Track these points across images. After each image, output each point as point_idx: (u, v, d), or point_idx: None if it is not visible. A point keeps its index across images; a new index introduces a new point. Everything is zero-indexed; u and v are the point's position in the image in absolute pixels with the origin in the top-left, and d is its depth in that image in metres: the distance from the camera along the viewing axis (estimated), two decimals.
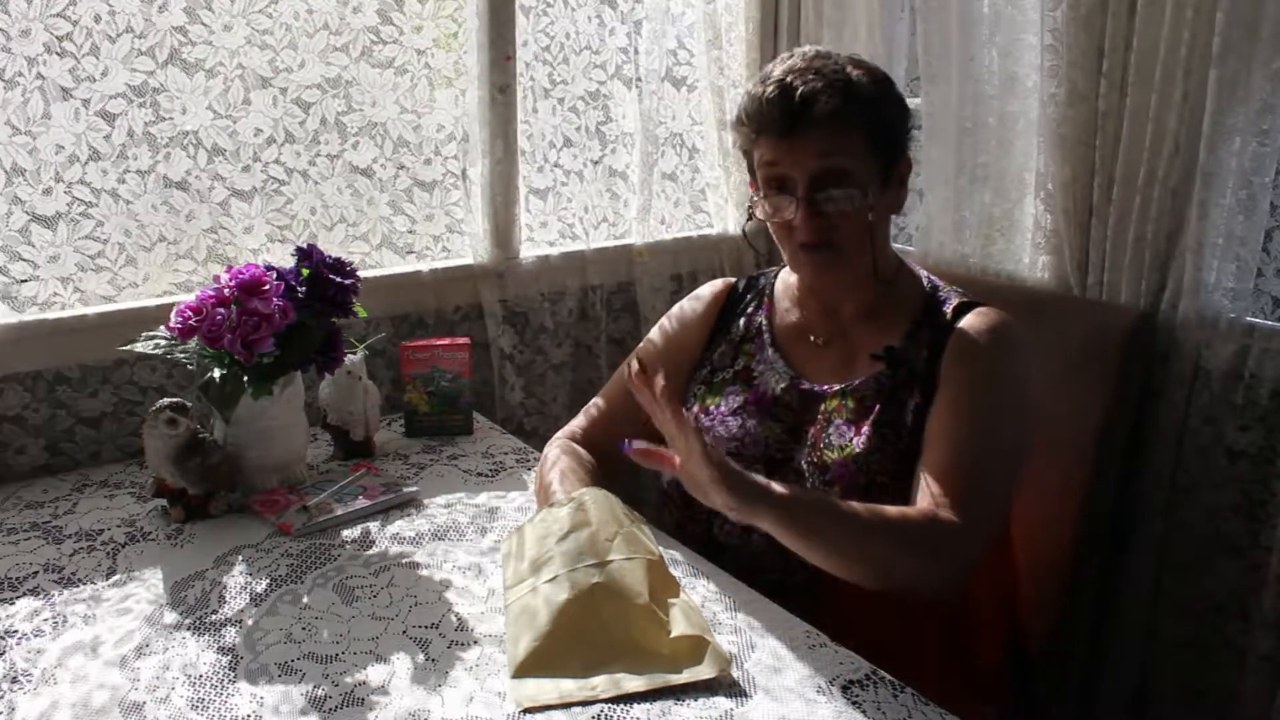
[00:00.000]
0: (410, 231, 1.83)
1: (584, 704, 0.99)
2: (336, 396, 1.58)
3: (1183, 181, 1.46)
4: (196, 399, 1.42)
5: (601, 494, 1.20)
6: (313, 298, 1.42)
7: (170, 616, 1.16)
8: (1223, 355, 1.45)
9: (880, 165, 1.24)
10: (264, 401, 1.39)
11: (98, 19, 1.49)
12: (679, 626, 1.05)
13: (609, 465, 1.37)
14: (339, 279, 1.44)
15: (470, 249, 1.86)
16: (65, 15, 1.46)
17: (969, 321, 1.25)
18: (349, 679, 1.04)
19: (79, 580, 1.24)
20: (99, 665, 1.07)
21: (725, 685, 1.01)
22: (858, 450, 1.22)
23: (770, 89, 1.21)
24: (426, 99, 1.79)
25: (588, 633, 1.05)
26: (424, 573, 1.26)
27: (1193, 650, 1.54)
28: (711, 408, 1.35)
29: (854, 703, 1.00)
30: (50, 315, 1.53)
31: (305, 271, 1.43)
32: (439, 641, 1.11)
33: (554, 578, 1.09)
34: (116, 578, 1.24)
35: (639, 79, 1.95)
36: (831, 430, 1.25)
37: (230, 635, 1.12)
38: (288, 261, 1.45)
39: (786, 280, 1.42)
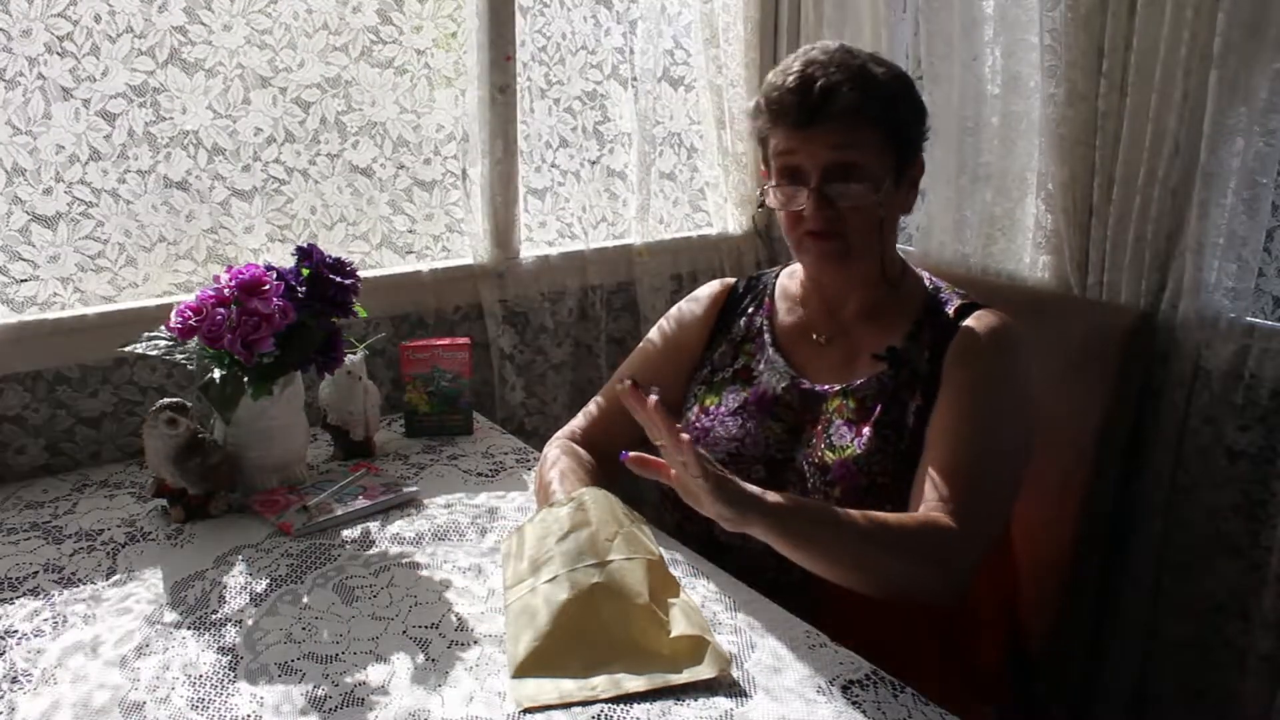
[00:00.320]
0: (410, 231, 1.83)
1: (584, 704, 0.99)
2: (336, 396, 1.58)
3: (1183, 181, 1.46)
4: (196, 399, 1.42)
5: (601, 494, 1.20)
6: (313, 298, 1.42)
7: (170, 616, 1.16)
8: (1223, 355, 1.45)
9: (893, 164, 1.24)
10: (264, 401, 1.39)
11: (98, 19, 1.49)
12: (679, 626, 1.05)
13: (609, 465, 1.37)
14: (339, 279, 1.44)
15: (470, 249, 1.86)
16: (66, 15, 1.46)
17: (971, 323, 1.25)
18: (349, 679, 1.04)
19: (79, 580, 1.24)
20: (99, 665, 1.07)
21: (725, 685, 1.01)
22: (858, 451, 1.22)
23: (791, 79, 1.21)
24: (426, 99, 1.79)
25: (587, 633, 1.05)
26: (424, 573, 1.26)
27: (1193, 650, 1.54)
28: (711, 408, 1.35)
29: (854, 703, 1.00)
30: (50, 315, 1.53)
31: (305, 271, 1.43)
32: (439, 641, 1.11)
33: (554, 577, 1.09)
34: (116, 578, 1.24)
35: (635, 79, 1.95)
36: (832, 431, 1.25)
37: (230, 635, 1.12)
38: (288, 261, 1.45)
39: (788, 280, 1.42)
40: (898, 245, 1.35)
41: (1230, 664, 1.50)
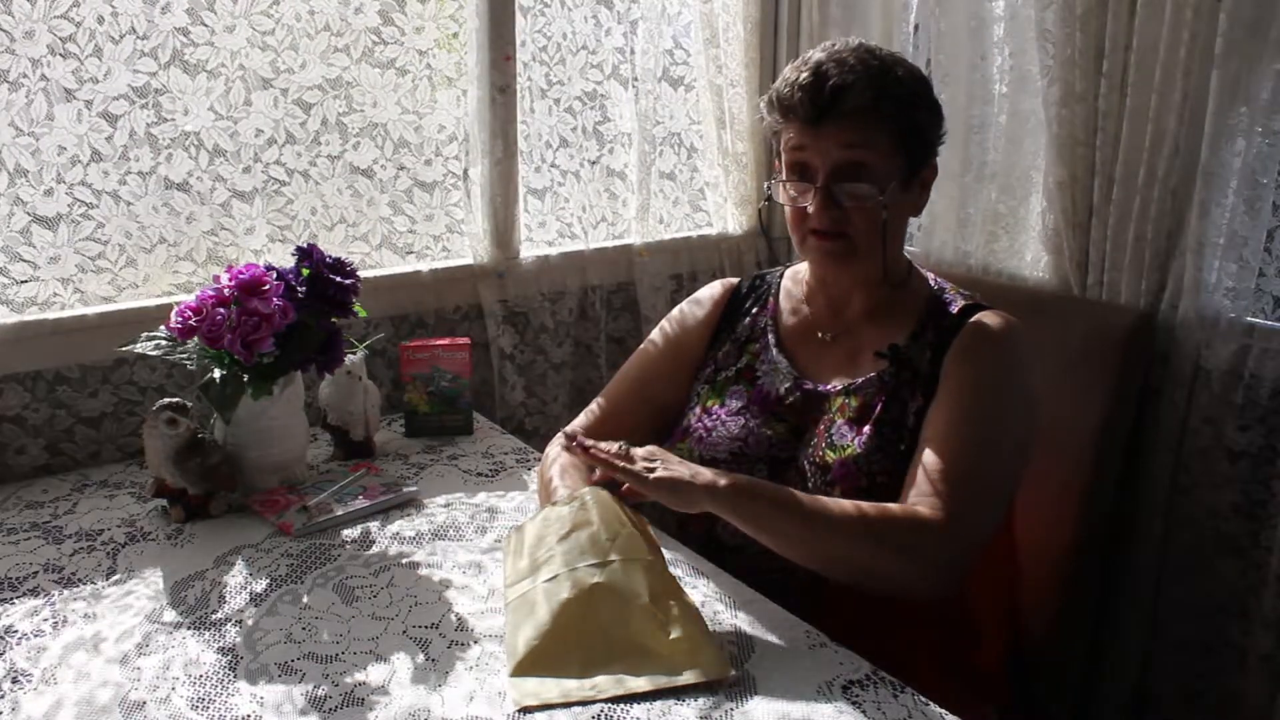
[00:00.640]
0: (410, 231, 1.83)
1: (583, 703, 0.99)
2: (336, 396, 1.58)
3: (1183, 181, 1.46)
4: (196, 399, 1.42)
5: (603, 493, 1.20)
6: (313, 298, 1.42)
7: (170, 616, 1.16)
8: (1223, 355, 1.45)
9: (904, 166, 1.24)
10: (264, 401, 1.39)
11: (101, 20, 1.49)
12: (679, 627, 1.05)
13: None
14: (339, 279, 1.44)
15: (470, 249, 1.86)
16: (69, 17, 1.46)
17: (973, 323, 1.25)
18: (349, 679, 1.04)
19: (79, 580, 1.24)
20: (100, 665, 1.07)
21: (725, 685, 1.01)
22: (858, 450, 1.22)
23: (805, 75, 1.21)
24: (427, 99, 1.79)
25: (587, 632, 1.05)
26: (424, 572, 1.26)
27: (1193, 650, 1.54)
28: (714, 408, 1.35)
29: (854, 703, 1.00)
30: (50, 315, 1.53)
31: (305, 271, 1.43)
32: (439, 641, 1.11)
33: (554, 577, 1.09)
34: (117, 577, 1.24)
35: (635, 79, 1.95)
36: (834, 430, 1.25)
37: (230, 635, 1.12)
38: (288, 262, 1.45)
39: (792, 280, 1.42)
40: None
41: (1231, 664, 1.50)
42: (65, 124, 1.49)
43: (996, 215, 1.73)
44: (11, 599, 1.19)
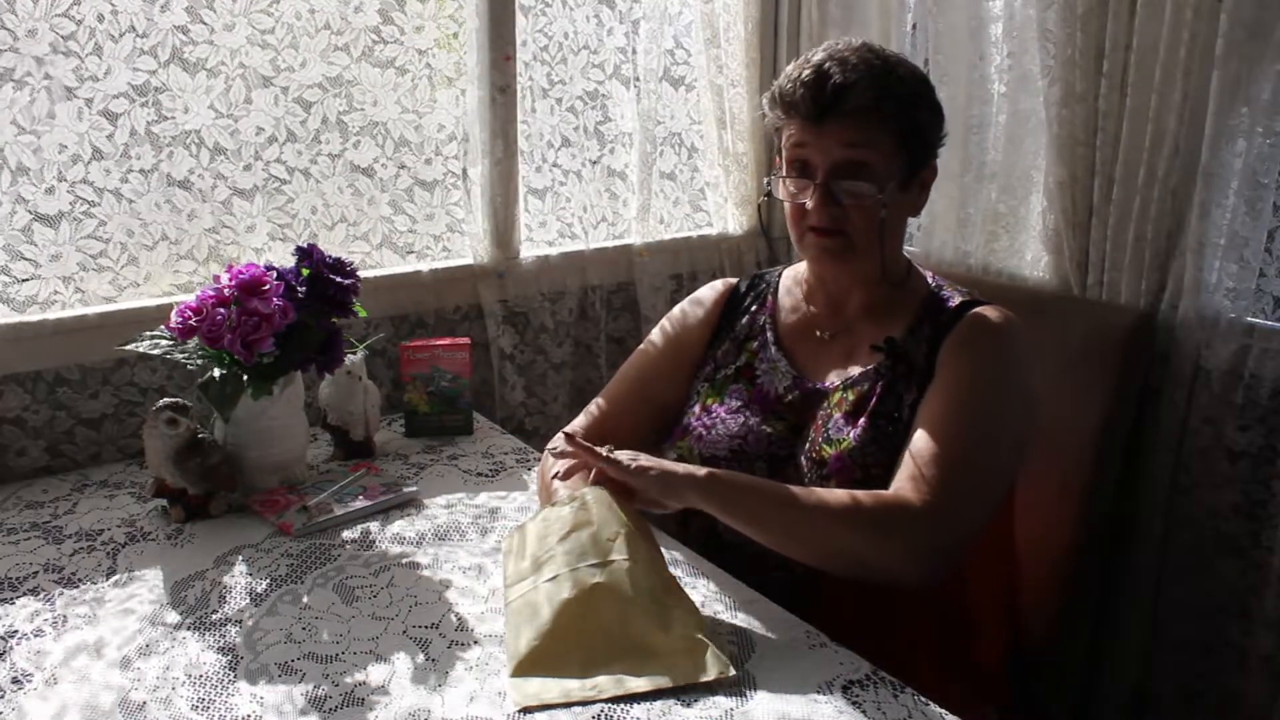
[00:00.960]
0: (411, 231, 1.83)
1: (584, 704, 0.99)
2: (336, 396, 1.58)
3: (1183, 182, 1.46)
4: (196, 399, 1.42)
5: (604, 493, 1.20)
6: (313, 297, 1.42)
7: (170, 616, 1.16)
8: (1223, 355, 1.45)
9: (905, 166, 1.24)
10: (264, 401, 1.39)
11: (101, 18, 1.49)
12: (679, 627, 1.05)
13: None
14: (339, 279, 1.44)
15: (470, 249, 1.86)
16: (69, 15, 1.46)
17: (972, 315, 1.25)
18: (349, 679, 1.04)
19: (79, 580, 1.24)
20: (100, 665, 1.07)
21: (725, 685, 1.01)
22: (853, 444, 1.22)
23: (807, 73, 1.21)
24: (427, 99, 1.79)
25: (588, 632, 1.05)
26: (424, 573, 1.26)
27: (1193, 651, 1.54)
28: (713, 406, 1.35)
29: (854, 703, 1.00)
30: (51, 315, 1.52)
31: (305, 271, 1.43)
32: (439, 641, 1.11)
33: (555, 576, 1.09)
34: (117, 578, 1.24)
35: (637, 79, 1.95)
36: (830, 425, 1.25)
37: (230, 635, 1.12)
38: (288, 260, 1.45)
39: (792, 278, 1.42)
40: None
41: (1231, 664, 1.50)
42: (66, 122, 1.49)
43: (996, 215, 1.73)
44: (11, 599, 1.19)
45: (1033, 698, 1.43)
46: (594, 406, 1.45)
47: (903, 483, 1.14)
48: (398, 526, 1.38)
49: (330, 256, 1.45)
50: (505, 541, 1.22)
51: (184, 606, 1.18)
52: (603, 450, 1.18)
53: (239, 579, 1.24)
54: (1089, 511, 1.44)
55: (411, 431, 1.71)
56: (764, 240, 2.10)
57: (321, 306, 1.43)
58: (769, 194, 1.32)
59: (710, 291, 1.46)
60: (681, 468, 1.17)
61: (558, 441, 1.38)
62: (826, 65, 1.21)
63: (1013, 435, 1.23)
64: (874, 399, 1.24)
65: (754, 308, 1.41)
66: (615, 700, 1.00)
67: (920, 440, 1.17)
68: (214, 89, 1.59)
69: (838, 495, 1.14)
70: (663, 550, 1.17)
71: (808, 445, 1.27)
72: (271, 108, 1.64)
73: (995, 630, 1.35)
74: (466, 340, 1.72)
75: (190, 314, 1.32)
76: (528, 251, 1.91)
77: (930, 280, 1.34)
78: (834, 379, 1.30)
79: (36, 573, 1.25)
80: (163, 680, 1.04)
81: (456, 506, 1.44)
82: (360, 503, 1.42)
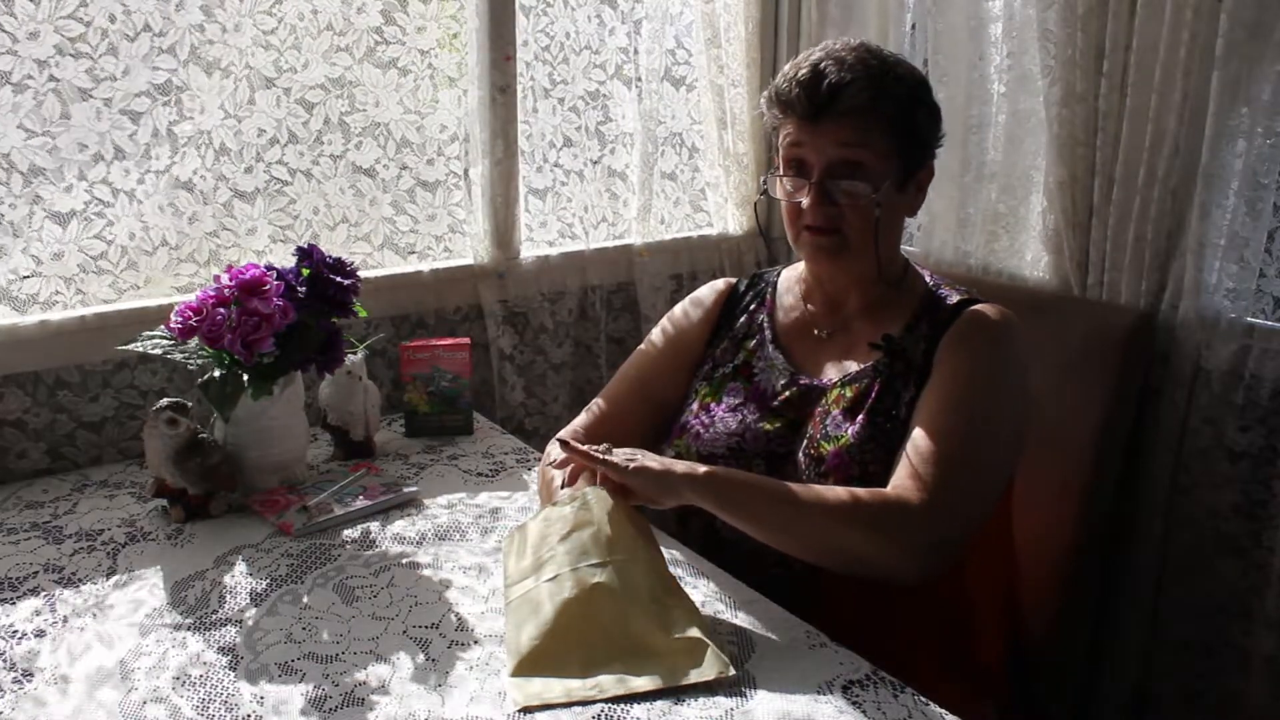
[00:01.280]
0: (413, 231, 1.83)
1: (584, 703, 0.99)
2: (336, 396, 1.58)
3: (1183, 182, 1.46)
4: (196, 399, 1.42)
5: (604, 493, 1.20)
6: (313, 298, 1.42)
7: (170, 616, 1.16)
8: (1223, 355, 1.45)
9: (900, 167, 1.24)
10: (264, 401, 1.39)
11: (112, 19, 1.48)
12: (679, 627, 1.05)
13: None
14: (339, 279, 1.44)
15: (471, 249, 1.86)
16: (76, 17, 1.46)
17: (970, 312, 1.26)
18: (349, 679, 1.04)
19: (79, 580, 1.24)
20: (100, 665, 1.07)
21: (726, 685, 1.01)
22: (851, 441, 1.22)
23: (803, 72, 1.22)
24: (429, 99, 1.79)
25: (588, 632, 1.05)
26: (424, 573, 1.26)
27: (1194, 651, 1.54)
28: (712, 405, 1.35)
29: (854, 703, 1.00)
30: (52, 316, 1.52)
31: (305, 271, 1.43)
32: (439, 641, 1.11)
33: (555, 576, 1.09)
34: (117, 578, 1.24)
35: (639, 79, 1.95)
36: (828, 422, 1.25)
37: (230, 635, 1.12)
38: (289, 262, 1.45)
39: (790, 277, 1.42)
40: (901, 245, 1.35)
41: (1232, 665, 1.50)
42: (84, 122, 1.49)
43: (996, 215, 1.73)
44: (12, 599, 1.19)
45: (1033, 697, 1.43)
46: (594, 406, 1.45)
47: (900, 480, 1.15)
48: (398, 526, 1.38)
49: (330, 256, 1.45)
50: (506, 541, 1.22)
51: (184, 606, 1.18)
52: (599, 450, 1.18)
53: (239, 579, 1.24)
54: (1089, 511, 1.44)
55: (411, 431, 1.71)
56: (762, 240, 2.10)
57: (321, 306, 1.43)
58: (765, 193, 1.33)
59: (710, 291, 1.46)
60: (679, 466, 1.18)
61: (555, 450, 1.39)
62: (823, 64, 1.21)
63: (1010, 432, 1.23)
64: (872, 396, 1.24)
65: (752, 307, 1.42)
66: (615, 700, 1.00)
67: (917, 437, 1.17)
68: (225, 89, 1.59)
69: (835, 492, 1.14)
70: (663, 550, 1.17)
71: (806, 442, 1.27)
72: (273, 109, 1.64)
73: (995, 630, 1.35)
74: (466, 340, 1.72)
75: (190, 314, 1.32)
76: (528, 252, 1.91)
77: (928, 279, 1.34)
78: (832, 376, 1.30)
79: (36, 573, 1.25)
80: (163, 680, 1.04)
81: (457, 506, 1.44)
82: (360, 503, 1.42)
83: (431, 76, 1.78)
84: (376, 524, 1.39)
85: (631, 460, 1.17)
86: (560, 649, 1.04)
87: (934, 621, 1.25)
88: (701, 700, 0.99)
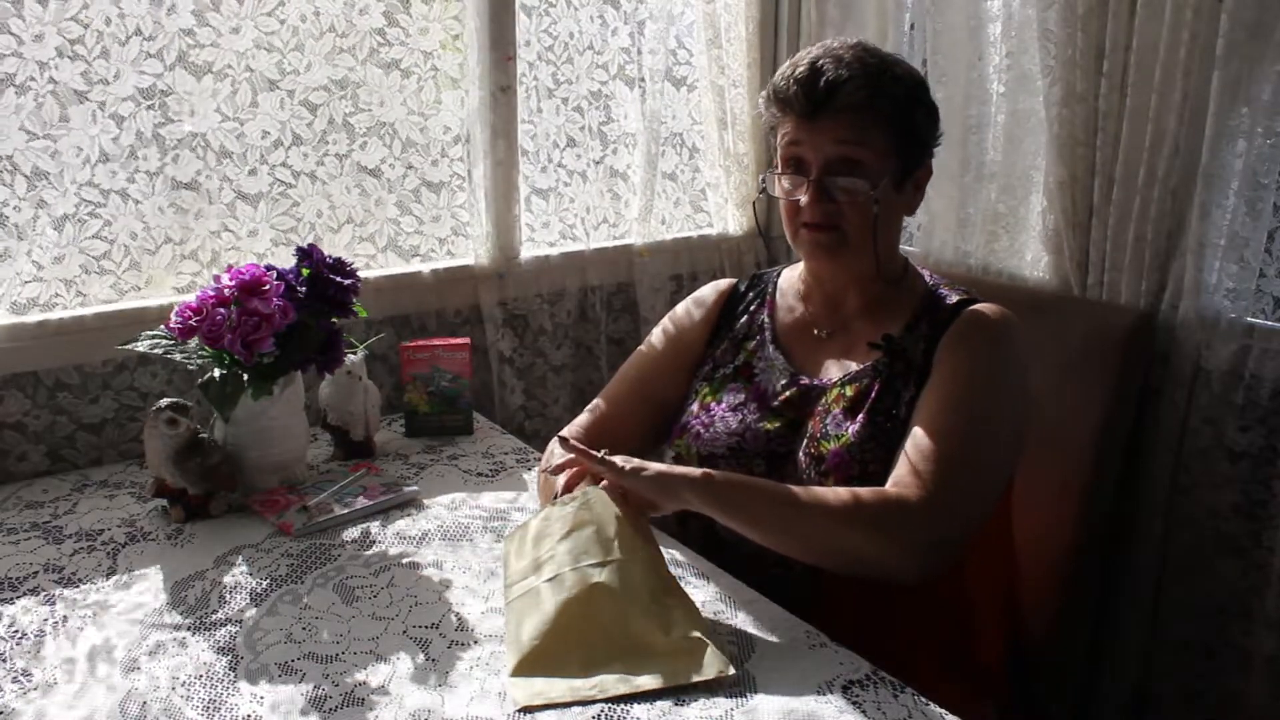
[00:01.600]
0: (418, 232, 1.82)
1: (584, 704, 0.99)
2: (336, 396, 1.58)
3: (1183, 182, 1.46)
4: (196, 400, 1.42)
5: (604, 492, 1.20)
6: (313, 298, 1.43)
7: (170, 616, 1.16)
8: (1223, 355, 1.45)
9: (898, 166, 1.25)
10: (264, 401, 1.39)
11: (108, 21, 1.48)
12: (679, 627, 1.05)
13: None
14: (339, 279, 1.44)
15: (472, 250, 1.85)
16: (78, 19, 1.46)
17: (969, 312, 1.26)
18: (349, 679, 1.04)
19: (79, 580, 1.24)
20: (100, 665, 1.07)
21: (725, 685, 1.01)
22: (851, 440, 1.22)
23: (801, 70, 1.22)
24: (433, 100, 1.79)
25: (588, 632, 1.05)
26: (424, 573, 1.26)
27: (1194, 651, 1.54)
28: (712, 405, 1.35)
29: (854, 703, 1.00)
30: (52, 316, 1.52)
31: (305, 271, 1.43)
32: (439, 641, 1.11)
33: (555, 576, 1.09)
34: (117, 578, 1.24)
35: (643, 79, 1.95)
36: (829, 421, 1.25)
37: (230, 635, 1.12)
38: (290, 264, 1.45)
39: (790, 278, 1.42)
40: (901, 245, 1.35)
41: (1232, 665, 1.50)
42: (81, 125, 1.49)
43: (996, 215, 1.73)
44: (11, 599, 1.19)
45: (1033, 697, 1.43)
46: (594, 406, 1.45)
47: (899, 479, 1.15)
48: (398, 526, 1.38)
49: (330, 256, 1.45)
50: (506, 541, 1.22)
51: (184, 606, 1.18)
52: (598, 454, 1.18)
53: (239, 579, 1.24)
54: (1089, 511, 1.44)
55: (411, 431, 1.71)
56: (761, 240, 2.10)
57: (321, 306, 1.43)
58: (764, 191, 1.33)
59: (710, 291, 1.46)
60: (677, 469, 1.17)
61: (555, 451, 1.39)
62: (820, 62, 1.21)
63: (1010, 432, 1.23)
64: (872, 395, 1.24)
65: (753, 307, 1.42)
66: (615, 700, 1.00)
67: (917, 436, 1.17)
68: (220, 92, 1.59)
69: (834, 493, 1.14)
70: (663, 550, 1.17)
71: (806, 442, 1.27)
72: (277, 111, 1.64)
73: (995, 630, 1.35)
74: (466, 340, 1.72)
75: (190, 314, 1.32)
76: (528, 252, 1.91)
77: (928, 279, 1.34)
78: (832, 376, 1.30)
79: (36, 573, 1.25)
80: (163, 680, 1.04)
81: (457, 506, 1.44)
82: (360, 503, 1.42)
83: (435, 78, 1.78)
84: (376, 524, 1.39)
85: (629, 463, 1.17)
86: (560, 648, 1.04)
87: (934, 621, 1.25)
88: (701, 700, 0.99)
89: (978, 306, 1.26)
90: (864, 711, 0.98)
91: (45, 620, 1.15)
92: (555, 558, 1.11)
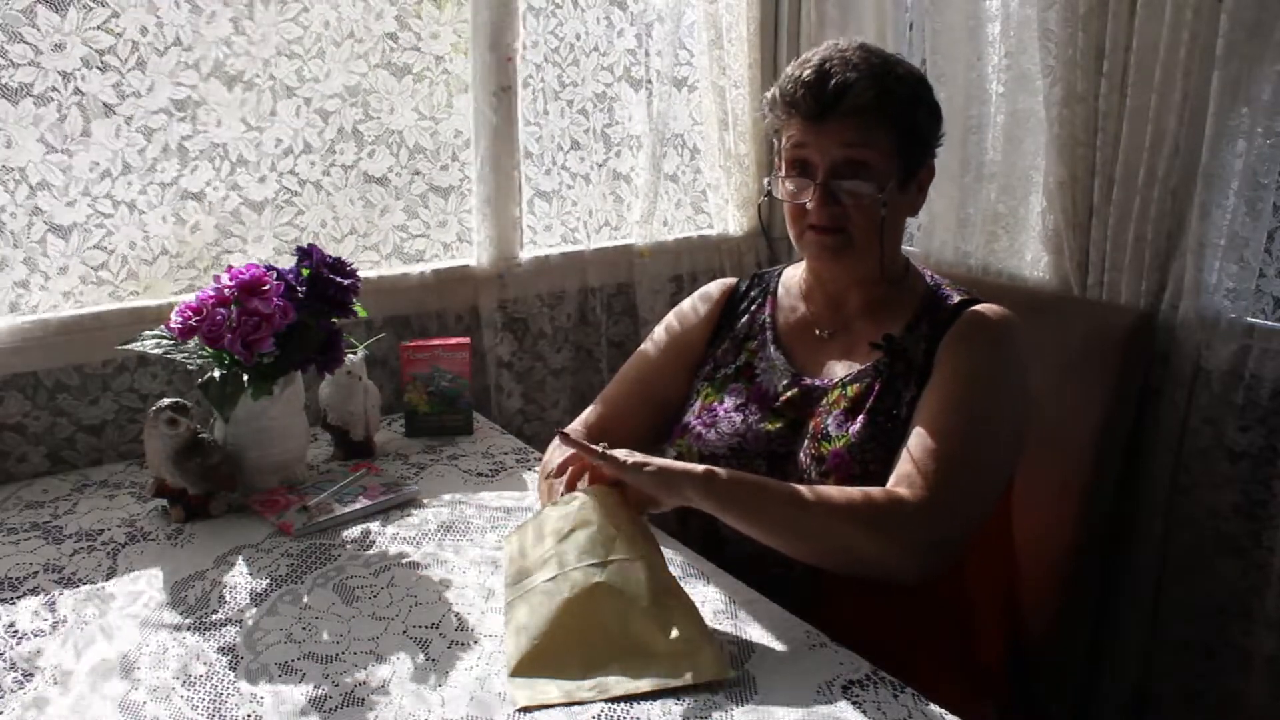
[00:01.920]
0: (424, 236, 1.82)
1: (584, 704, 0.99)
2: (336, 396, 1.58)
3: (1183, 182, 1.46)
4: (196, 400, 1.42)
5: (604, 493, 1.20)
6: (313, 297, 1.43)
7: (170, 616, 1.16)
8: (1223, 355, 1.45)
9: (903, 167, 1.25)
10: (264, 401, 1.39)
11: (144, 31, 1.48)
12: (679, 627, 1.05)
13: None
14: (339, 279, 1.44)
15: (473, 252, 1.85)
16: (107, 29, 1.45)
17: (970, 312, 1.26)
18: (349, 679, 1.04)
19: (79, 580, 1.24)
20: (100, 665, 1.07)
21: (725, 685, 1.01)
22: (852, 440, 1.22)
23: (808, 72, 1.22)
24: (444, 104, 1.78)
25: (587, 632, 1.05)
26: (424, 573, 1.26)
27: (1194, 651, 1.54)
28: (713, 405, 1.35)
29: (854, 703, 1.00)
30: (52, 316, 1.52)
31: (305, 271, 1.43)
32: (439, 641, 1.11)
33: (555, 576, 1.09)
34: (117, 578, 1.24)
35: (649, 81, 1.94)
36: (830, 421, 1.25)
37: (230, 635, 1.12)
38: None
39: (792, 277, 1.42)
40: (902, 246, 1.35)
41: (1232, 665, 1.50)
42: (103, 139, 1.49)
43: (996, 215, 1.73)
44: (11, 599, 1.19)
45: (1033, 697, 1.42)
46: (595, 406, 1.45)
47: (900, 479, 1.15)
48: (398, 526, 1.38)
49: (330, 256, 1.45)
50: (505, 541, 1.22)
51: (184, 606, 1.18)
52: (598, 448, 1.18)
53: (239, 579, 1.24)
54: (1089, 511, 1.44)
55: (411, 431, 1.71)
56: (764, 240, 2.10)
57: (321, 306, 1.43)
58: (769, 194, 1.33)
59: (711, 290, 1.47)
60: (679, 465, 1.17)
61: (555, 451, 1.39)
62: (827, 65, 1.21)
63: (1010, 432, 1.23)
64: (873, 396, 1.24)
65: (754, 307, 1.42)
66: (615, 700, 1.00)
67: (917, 436, 1.17)
68: (247, 102, 1.59)
69: (835, 492, 1.14)
70: (663, 550, 1.17)
71: (807, 442, 1.27)
72: (292, 119, 1.64)
73: (995, 630, 1.35)
74: (466, 340, 1.72)
75: (190, 314, 1.32)
76: (528, 253, 1.91)
77: (929, 279, 1.34)
78: (833, 376, 1.30)
79: (36, 573, 1.25)
80: (162, 680, 1.04)
81: (457, 506, 1.44)
82: (360, 503, 1.42)
83: (446, 82, 1.77)
84: (376, 524, 1.39)
85: (630, 457, 1.17)
86: (560, 649, 1.04)
87: (934, 621, 1.25)
88: (701, 700, 0.99)
89: (979, 307, 1.27)
90: (864, 711, 0.98)
91: (45, 620, 1.15)
92: (555, 558, 1.11)
